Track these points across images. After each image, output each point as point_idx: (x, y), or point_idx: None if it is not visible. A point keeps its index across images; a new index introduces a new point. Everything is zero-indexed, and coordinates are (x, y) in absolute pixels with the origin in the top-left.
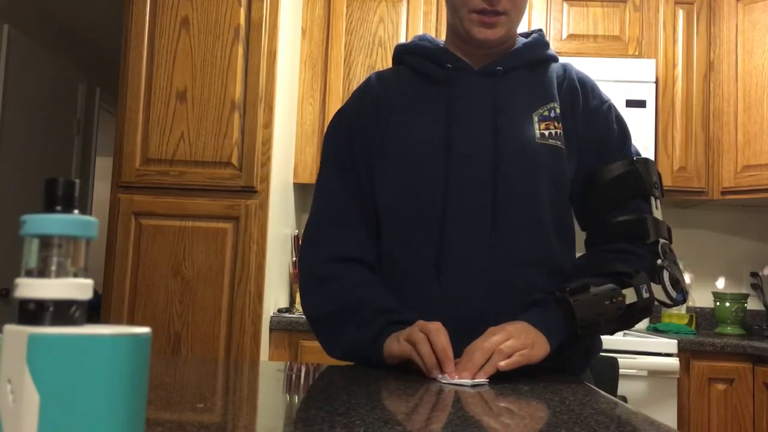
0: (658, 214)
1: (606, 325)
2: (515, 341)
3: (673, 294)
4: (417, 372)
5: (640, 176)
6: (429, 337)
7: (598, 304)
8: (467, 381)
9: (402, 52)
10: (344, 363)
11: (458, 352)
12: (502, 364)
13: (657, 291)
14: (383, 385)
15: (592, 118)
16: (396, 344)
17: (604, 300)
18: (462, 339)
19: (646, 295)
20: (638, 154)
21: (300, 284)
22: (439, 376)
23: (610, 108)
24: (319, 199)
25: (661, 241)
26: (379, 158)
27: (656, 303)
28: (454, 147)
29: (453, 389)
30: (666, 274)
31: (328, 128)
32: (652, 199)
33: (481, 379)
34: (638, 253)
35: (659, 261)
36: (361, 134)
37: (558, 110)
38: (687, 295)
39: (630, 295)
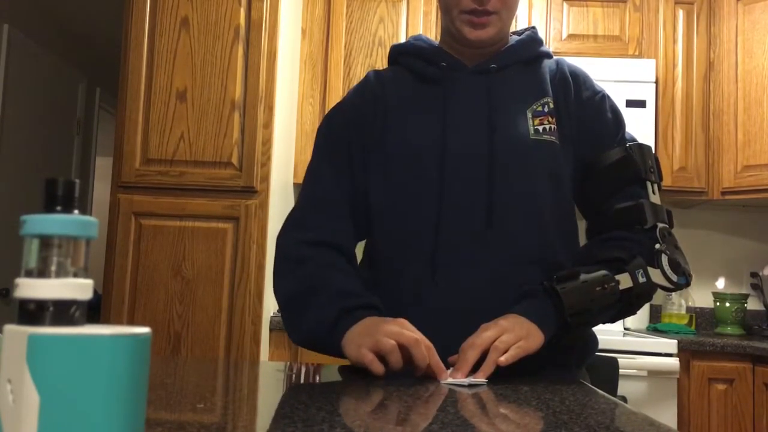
0: (655, 198)
1: (601, 312)
2: (509, 335)
3: (674, 278)
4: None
5: (635, 162)
6: (411, 351)
7: (588, 291)
8: (464, 381)
9: (397, 53)
10: (345, 365)
11: (453, 352)
12: (502, 359)
13: (656, 275)
14: (383, 385)
15: (585, 108)
16: (354, 350)
17: (595, 286)
18: (458, 337)
19: (642, 279)
20: (634, 140)
21: (273, 267)
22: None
23: (604, 97)
24: (306, 187)
25: (660, 225)
26: (375, 155)
27: (658, 288)
28: (450, 145)
29: (453, 389)
30: (665, 258)
31: (323, 120)
32: (649, 184)
33: (479, 379)
34: (636, 239)
35: (657, 245)
36: (359, 129)
37: (551, 105)
38: (690, 278)
39: (625, 281)
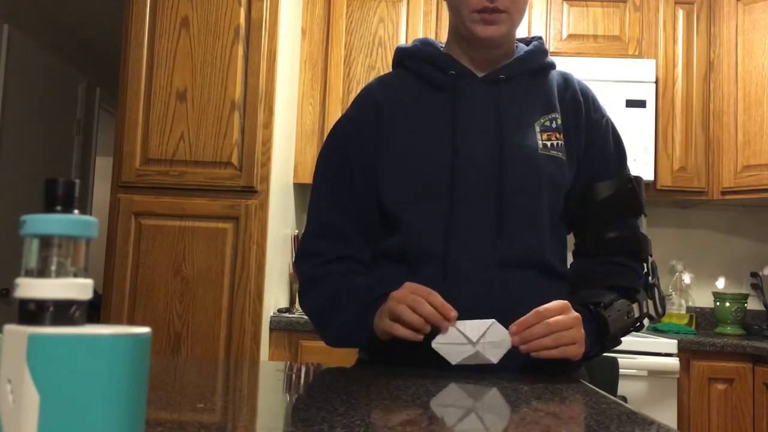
0: (644, 230)
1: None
2: (573, 334)
3: (660, 311)
4: (411, 364)
5: (638, 196)
6: (428, 299)
7: (621, 319)
8: (471, 331)
9: (403, 56)
10: (345, 365)
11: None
12: (542, 354)
13: (650, 307)
14: (383, 385)
15: (592, 131)
16: (380, 322)
17: (624, 315)
18: None
19: (645, 310)
20: (629, 169)
21: (299, 291)
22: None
23: (608, 122)
24: (311, 214)
25: (650, 258)
26: (382, 164)
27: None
28: (460, 154)
29: (452, 382)
30: (656, 292)
31: (326, 140)
32: (642, 216)
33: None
34: (637, 270)
35: (650, 278)
36: (360, 145)
37: (559, 121)
38: (666, 310)
39: (636, 311)
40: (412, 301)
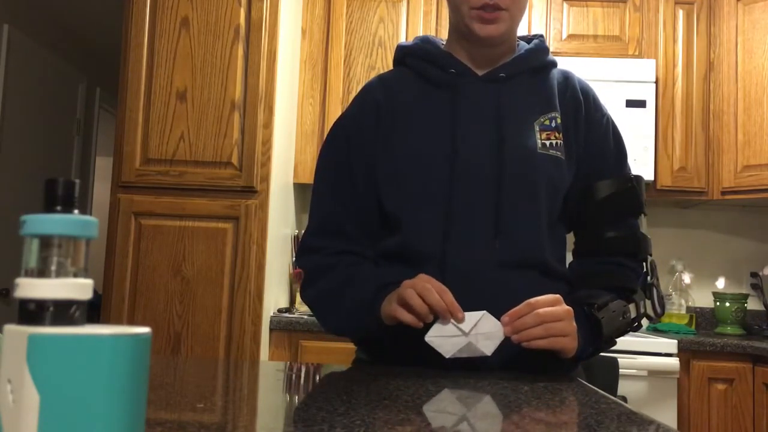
0: (644, 229)
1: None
2: (564, 325)
3: (659, 310)
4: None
5: (638, 195)
6: (440, 294)
7: (615, 320)
8: (487, 350)
9: (404, 54)
10: (346, 366)
11: None
12: (531, 345)
13: (648, 307)
14: (383, 385)
15: (592, 130)
16: (389, 306)
17: (619, 316)
18: None
19: (642, 310)
20: (629, 168)
21: (302, 283)
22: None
23: (609, 121)
24: (312, 212)
25: (650, 258)
26: (382, 164)
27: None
28: (459, 154)
29: (451, 383)
30: (655, 292)
31: (326, 138)
32: (642, 216)
33: (489, 330)
34: (635, 270)
35: (649, 278)
36: (360, 143)
37: (559, 120)
38: (665, 310)
39: (632, 311)
40: (422, 288)
